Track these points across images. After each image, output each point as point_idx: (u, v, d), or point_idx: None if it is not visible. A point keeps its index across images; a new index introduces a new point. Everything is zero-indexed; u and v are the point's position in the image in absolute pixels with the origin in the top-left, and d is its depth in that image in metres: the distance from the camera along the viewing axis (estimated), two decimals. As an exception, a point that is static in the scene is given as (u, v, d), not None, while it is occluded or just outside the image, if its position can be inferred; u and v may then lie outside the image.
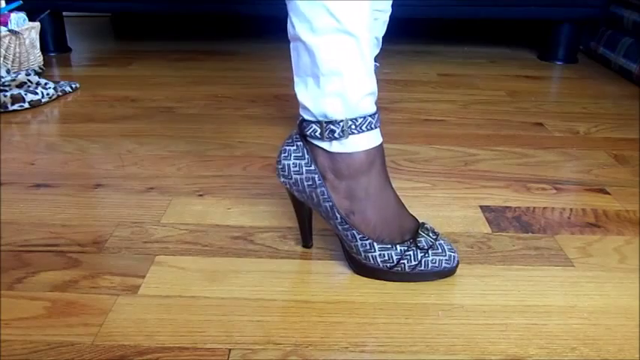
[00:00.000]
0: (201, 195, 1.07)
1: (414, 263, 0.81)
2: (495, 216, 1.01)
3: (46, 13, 2.03)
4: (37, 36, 1.89)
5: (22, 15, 1.87)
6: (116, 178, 1.13)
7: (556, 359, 0.69)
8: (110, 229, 0.95)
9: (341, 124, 0.78)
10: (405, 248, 0.82)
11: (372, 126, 0.79)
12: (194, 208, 1.02)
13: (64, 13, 2.18)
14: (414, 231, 0.84)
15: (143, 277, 0.83)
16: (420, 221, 0.86)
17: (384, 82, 1.78)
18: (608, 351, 0.70)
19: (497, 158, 1.25)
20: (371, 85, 0.80)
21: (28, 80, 1.63)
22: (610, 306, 0.78)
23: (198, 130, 1.39)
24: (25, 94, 1.54)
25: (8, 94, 1.52)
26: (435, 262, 0.82)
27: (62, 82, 1.70)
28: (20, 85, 1.60)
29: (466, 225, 0.98)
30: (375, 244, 0.81)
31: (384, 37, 1.32)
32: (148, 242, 0.91)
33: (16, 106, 1.51)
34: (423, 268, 0.82)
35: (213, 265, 0.86)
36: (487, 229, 0.97)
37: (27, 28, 1.84)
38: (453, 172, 1.18)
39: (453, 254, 0.83)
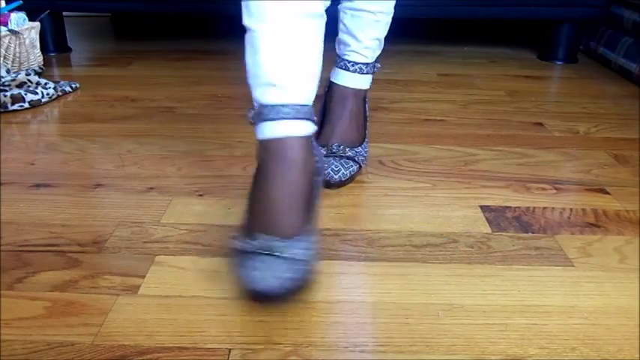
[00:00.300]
0: (201, 195, 1.07)
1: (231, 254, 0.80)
2: (495, 216, 1.01)
3: (46, 13, 2.02)
4: (37, 36, 1.89)
5: (22, 15, 1.87)
6: (116, 178, 1.13)
7: (556, 359, 0.69)
8: (110, 229, 0.95)
9: (251, 111, 0.85)
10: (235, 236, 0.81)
11: (266, 118, 0.81)
12: (194, 208, 1.02)
13: (64, 13, 2.18)
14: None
15: (143, 277, 0.83)
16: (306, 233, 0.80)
17: (384, 82, 1.78)
18: (608, 351, 0.70)
19: (497, 158, 1.25)
20: (266, 77, 0.81)
21: (28, 80, 1.62)
22: (610, 306, 0.78)
23: (198, 130, 1.39)
24: (25, 94, 1.54)
25: (8, 94, 1.51)
26: (242, 275, 0.76)
27: (62, 82, 1.69)
28: (20, 85, 1.60)
29: (466, 225, 0.98)
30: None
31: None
32: (148, 242, 0.91)
33: (16, 106, 1.51)
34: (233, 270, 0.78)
35: (213, 265, 0.86)
36: (487, 229, 0.97)
37: (27, 28, 1.84)
38: (452, 172, 1.18)
39: (257, 280, 0.73)
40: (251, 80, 0.84)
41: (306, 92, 0.84)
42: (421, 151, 1.27)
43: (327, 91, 1.16)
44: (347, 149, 1.10)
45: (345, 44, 1.13)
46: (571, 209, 1.03)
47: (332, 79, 1.16)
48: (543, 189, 1.11)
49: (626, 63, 1.91)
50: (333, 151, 1.09)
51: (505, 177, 1.16)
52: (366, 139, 1.17)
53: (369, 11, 1.08)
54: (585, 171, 1.19)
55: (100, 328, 0.73)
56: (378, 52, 1.15)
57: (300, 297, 0.78)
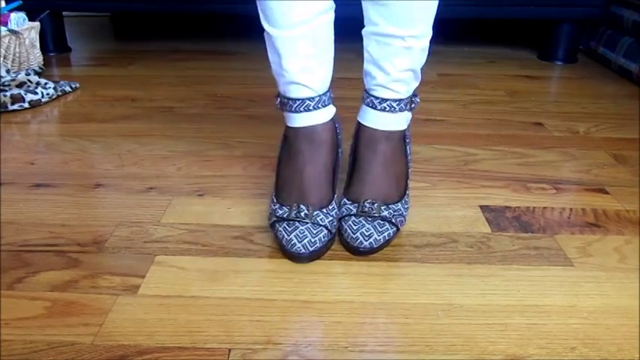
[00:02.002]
0: (201, 195, 1.06)
1: (272, 221, 0.92)
2: (495, 216, 1.00)
3: (46, 13, 2.02)
4: (37, 36, 1.88)
5: (22, 15, 1.85)
6: (116, 177, 1.13)
7: (556, 359, 0.69)
8: (110, 229, 0.95)
9: (278, 98, 0.96)
10: (276, 207, 0.92)
11: (295, 110, 0.92)
12: (194, 208, 1.02)
13: (64, 13, 2.17)
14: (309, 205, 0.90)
15: (143, 277, 0.83)
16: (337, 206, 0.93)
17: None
18: (608, 351, 0.70)
19: (497, 158, 1.25)
20: (290, 78, 0.90)
21: (28, 80, 1.62)
22: (610, 306, 0.78)
23: (198, 130, 1.38)
24: (25, 94, 1.53)
25: (8, 94, 1.51)
26: (281, 236, 0.88)
27: (62, 82, 1.69)
28: (20, 85, 1.59)
29: (466, 225, 0.98)
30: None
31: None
32: (148, 242, 0.91)
33: (16, 106, 1.50)
34: (277, 234, 0.90)
35: (214, 264, 0.86)
36: (487, 229, 0.96)
37: (27, 28, 1.83)
38: (453, 171, 1.18)
39: (294, 243, 0.86)
40: (276, 76, 0.93)
41: (326, 82, 0.94)
42: (421, 151, 1.27)
43: (356, 133, 0.98)
44: (382, 207, 0.91)
45: (371, 77, 0.93)
46: (571, 209, 1.03)
47: (359, 119, 0.97)
48: (543, 189, 1.11)
49: (625, 63, 1.90)
50: (365, 210, 0.90)
51: (505, 177, 1.16)
52: (408, 192, 0.97)
53: (397, 36, 0.87)
54: (585, 171, 1.19)
55: (100, 328, 0.72)
56: (415, 85, 0.95)
57: (301, 297, 0.79)
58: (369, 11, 0.89)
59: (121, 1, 2.11)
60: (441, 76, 1.87)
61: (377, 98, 0.93)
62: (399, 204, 0.93)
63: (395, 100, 0.93)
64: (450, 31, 2.57)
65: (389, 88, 0.92)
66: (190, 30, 2.61)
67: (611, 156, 1.26)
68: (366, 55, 0.93)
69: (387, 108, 0.93)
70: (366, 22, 0.91)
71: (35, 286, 0.80)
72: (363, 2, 0.90)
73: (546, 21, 2.09)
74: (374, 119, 0.95)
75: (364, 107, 0.96)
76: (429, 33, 0.91)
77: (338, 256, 0.88)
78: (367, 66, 0.93)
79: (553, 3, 2.01)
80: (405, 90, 0.93)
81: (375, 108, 0.94)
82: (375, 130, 0.95)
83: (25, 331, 0.72)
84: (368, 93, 0.95)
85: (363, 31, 0.92)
